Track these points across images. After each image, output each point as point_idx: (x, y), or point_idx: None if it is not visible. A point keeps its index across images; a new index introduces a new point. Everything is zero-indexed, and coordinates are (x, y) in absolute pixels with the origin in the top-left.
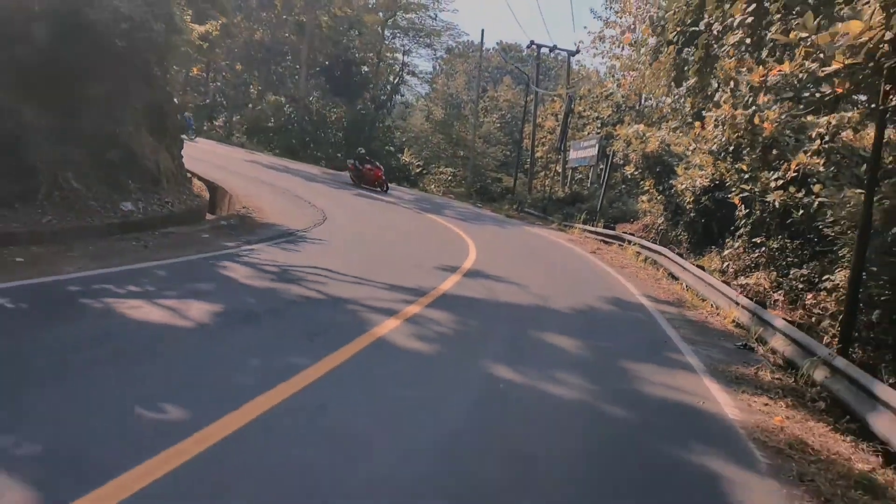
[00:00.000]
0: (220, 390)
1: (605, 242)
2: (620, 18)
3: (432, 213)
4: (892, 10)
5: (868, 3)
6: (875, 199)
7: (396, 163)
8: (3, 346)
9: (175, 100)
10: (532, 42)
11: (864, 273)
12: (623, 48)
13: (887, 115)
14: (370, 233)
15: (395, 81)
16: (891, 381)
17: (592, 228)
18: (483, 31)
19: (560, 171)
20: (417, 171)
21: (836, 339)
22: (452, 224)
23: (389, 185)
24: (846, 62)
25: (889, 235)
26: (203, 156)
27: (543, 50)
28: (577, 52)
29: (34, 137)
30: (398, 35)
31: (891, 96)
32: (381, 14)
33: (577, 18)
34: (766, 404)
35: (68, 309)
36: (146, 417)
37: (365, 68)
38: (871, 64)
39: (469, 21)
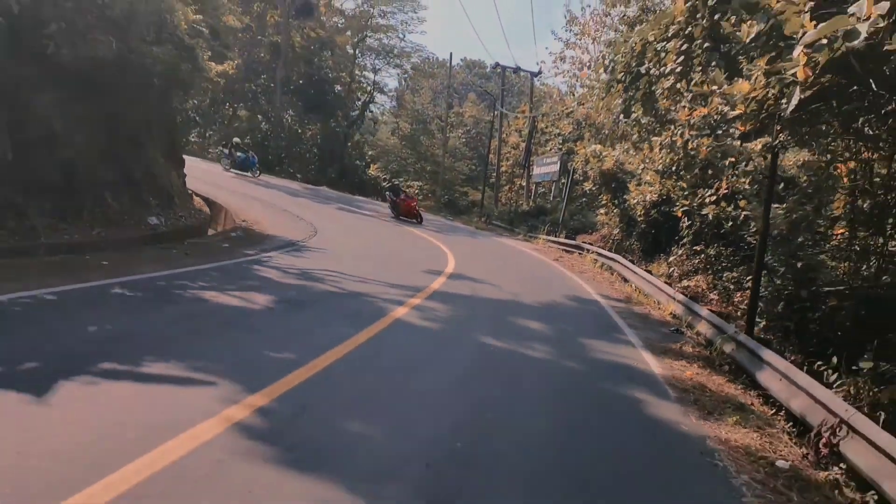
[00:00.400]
0: (306, 345)
1: (567, 251)
2: (580, 40)
3: (409, 226)
4: (769, 77)
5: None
6: (783, 212)
7: (366, 177)
8: (151, 317)
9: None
10: (497, 63)
11: (765, 271)
12: (583, 68)
13: (779, 146)
14: (360, 243)
15: (367, 99)
16: (787, 354)
17: (555, 239)
18: (451, 54)
19: (524, 185)
20: (385, 184)
21: (747, 322)
22: (429, 235)
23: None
24: (746, 109)
25: (794, 243)
26: (189, 171)
27: (508, 70)
28: (540, 73)
29: (82, 161)
30: (368, 54)
31: (780, 134)
32: (349, 34)
33: (540, 37)
34: (683, 366)
35: (169, 296)
36: (271, 356)
37: (338, 87)
38: (763, 110)
39: (436, 37)
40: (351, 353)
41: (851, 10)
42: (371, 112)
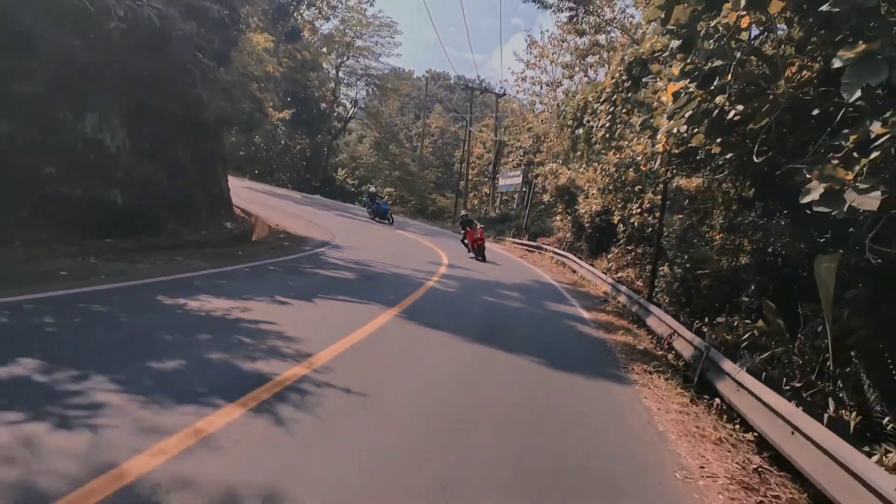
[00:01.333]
0: (396, 293)
1: (529, 251)
2: (539, 62)
3: (400, 230)
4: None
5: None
6: (678, 221)
7: (345, 185)
8: (310, 280)
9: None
10: (466, 84)
11: (668, 262)
12: (542, 88)
13: (666, 180)
14: (371, 243)
15: (348, 116)
16: (681, 317)
17: (519, 241)
18: (427, 77)
19: (488, 192)
20: (351, 190)
21: (648, 294)
22: (418, 237)
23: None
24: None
25: (687, 242)
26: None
27: (475, 90)
28: (504, 94)
29: (194, 185)
30: (349, 75)
31: (669, 173)
32: (332, 56)
33: (504, 51)
34: (603, 315)
35: (299, 271)
36: (386, 297)
37: (323, 104)
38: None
39: (403, 49)
40: (419, 298)
41: (665, 127)
42: (346, 126)
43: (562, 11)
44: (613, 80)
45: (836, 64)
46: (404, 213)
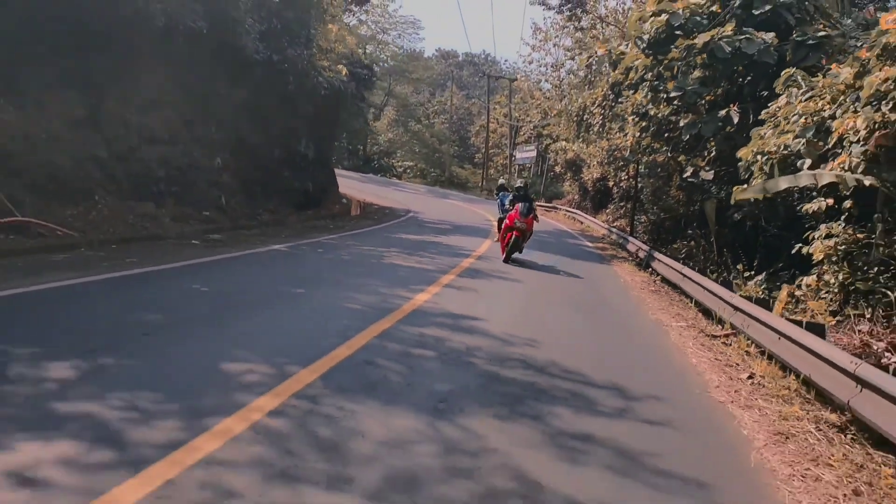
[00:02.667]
0: (480, 234)
1: (546, 210)
2: (543, 45)
3: (444, 199)
4: (636, 134)
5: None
6: (651, 183)
7: (384, 162)
8: (405, 241)
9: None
10: (484, 73)
11: (644, 214)
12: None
13: (639, 158)
14: (432, 208)
15: (383, 103)
16: (653, 248)
17: (537, 203)
18: (453, 75)
19: (504, 163)
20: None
21: (630, 231)
22: (463, 203)
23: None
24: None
25: (657, 199)
26: None
27: (490, 71)
28: (516, 79)
29: (311, 173)
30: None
31: (638, 155)
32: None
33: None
34: (602, 246)
35: (417, 224)
36: (477, 234)
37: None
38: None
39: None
40: (490, 247)
41: (629, 132)
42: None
43: (562, 12)
44: (603, 93)
45: (681, 122)
46: (425, 184)
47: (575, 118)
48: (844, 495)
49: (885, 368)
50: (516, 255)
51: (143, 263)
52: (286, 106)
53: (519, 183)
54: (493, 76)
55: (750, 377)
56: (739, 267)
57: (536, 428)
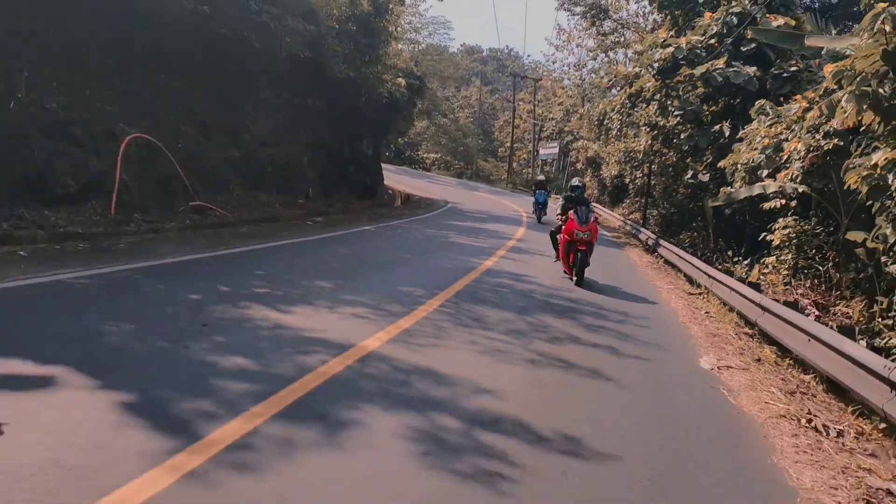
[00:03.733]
0: (516, 222)
1: None
2: (567, 45)
3: (474, 191)
4: (648, 140)
5: (643, 132)
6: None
7: (415, 156)
8: (456, 224)
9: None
10: (511, 74)
11: (657, 208)
12: (569, 68)
13: (653, 160)
14: (471, 201)
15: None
16: (661, 237)
17: (559, 196)
18: (479, 71)
19: (526, 157)
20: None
21: (642, 223)
22: (492, 196)
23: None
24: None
25: (667, 195)
26: None
27: (514, 67)
28: (541, 79)
29: (368, 168)
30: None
31: (651, 156)
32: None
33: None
34: (617, 235)
35: (459, 213)
36: (514, 222)
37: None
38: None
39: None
40: (527, 223)
41: (643, 139)
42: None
43: (585, 18)
44: (620, 102)
45: (682, 135)
46: (449, 175)
47: (596, 122)
48: (740, 357)
49: (801, 311)
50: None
51: (293, 236)
52: (355, 113)
53: (575, 182)
54: (520, 75)
55: (706, 313)
56: (729, 253)
57: (574, 321)
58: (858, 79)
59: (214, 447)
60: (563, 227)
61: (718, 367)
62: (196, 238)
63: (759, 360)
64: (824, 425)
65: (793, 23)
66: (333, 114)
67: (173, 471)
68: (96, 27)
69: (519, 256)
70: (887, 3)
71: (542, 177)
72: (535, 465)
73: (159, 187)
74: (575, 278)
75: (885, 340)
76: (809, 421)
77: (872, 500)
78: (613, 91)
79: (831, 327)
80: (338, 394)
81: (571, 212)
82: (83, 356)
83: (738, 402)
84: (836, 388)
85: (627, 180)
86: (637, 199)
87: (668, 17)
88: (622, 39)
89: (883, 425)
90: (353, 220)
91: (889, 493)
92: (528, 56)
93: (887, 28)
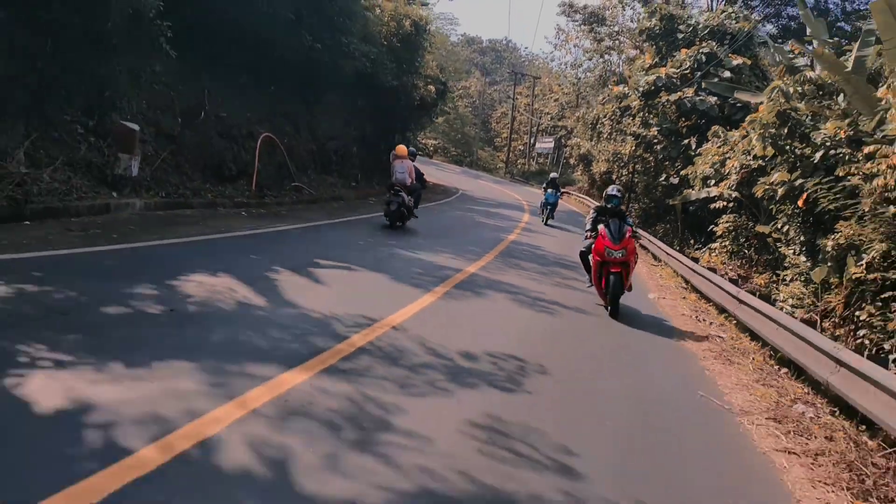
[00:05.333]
0: (517, 211)
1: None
2: (565, 44)
3: (477, 179)
4: (633, 146)
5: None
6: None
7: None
8: (477, 203)
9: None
10: (512, 70)
11: (638, 203)
12: (566, 67)
13: (637, 160)
14: (475, 188)
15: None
16: (645, 226)
17: None
18: (478, 62)
19: (522, 148)
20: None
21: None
22: (493, 184)
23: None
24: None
25: (649, 191)
26: None
27: (511, 58)
28: (539, 78)
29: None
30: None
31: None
32: None
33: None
34: None
35: (470, 199)
36: (519, 207)
37: None
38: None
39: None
40: (531, 217)
41: (628, 146)
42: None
43: (584, 25)
44: (612, 109)
45: (657, 147)
46: (450, 162)
47: (590, 125)
48: (672, 295)
49: (717, 273)
50: (551, 222)
51: (370, 211)
52: (393, 113)
53: (612, 191)
54: (520, 73)
55: (660, 276)
56: (692, 241)
57: (576, 271)
58: (761, 126)
59: (442, 290)
60: (594, 245)
61: (658, 298)
62: (313, 209)
63: (684, 297)
64: (719, 336)
65: (748, 62)
66: (376, 113)
67: (435, 295)
68: (241, 53)
69: (530, 234)
70: (780, 81)
71: (554, 174)
72: (563, 310)
73: (276, 171)
74: (609, 307)
75: (776, 295)
76: (706, 323)
77: (782, 408)
78: (606, 87)
79: (729, 280)
80: (470, 283)
81: (602, 226)
82: (345, 257)
83: (665, 311)
84: (724, 310)
85: (615, 177)
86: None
87: (654, 47)
88: (616, 44)
89: (766, 349)
90: None
91: (794, 401)
92: (526, 49)
93: (779, 97)
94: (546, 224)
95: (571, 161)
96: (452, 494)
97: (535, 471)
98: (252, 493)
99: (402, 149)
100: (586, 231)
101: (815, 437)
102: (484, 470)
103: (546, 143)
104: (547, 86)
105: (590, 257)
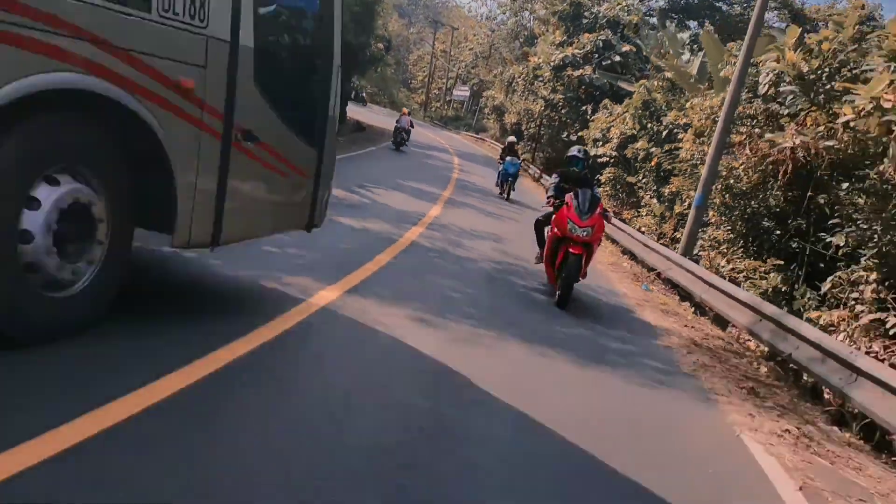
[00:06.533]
0: (454, 152)
1: (475, 140)
2: None
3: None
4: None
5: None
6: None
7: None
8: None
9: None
10: (432, 19)
11: (540, 152)
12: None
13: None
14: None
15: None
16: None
17: (468, 134)
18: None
19: (437, 93)
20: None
21: (531, 162)
22: (425, 131)
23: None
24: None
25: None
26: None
27: (438, 21)
28: (458, 28)
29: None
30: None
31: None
32: None
33: None
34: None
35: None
36: (448, 163)
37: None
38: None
39: None
40: (461, 161)
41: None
42: None
43: None
44: (526, 74)
45: (562, 110)
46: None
47: (506, 83)
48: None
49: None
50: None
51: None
52: (350, 67)
53: (574, 151)
54: (440, 22)
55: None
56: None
57: (506, 206)
58: (632, 109)
59: (427, 220)
60: (554, 215)
61: None
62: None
63: None
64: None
65: (633, 49)
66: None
67: (441, 206)
68: None
69: (465, 174)
70: (645, 81)
71: (512, 137)
72: (503, 219)
73: None
74: (558, 293)
75: (636, 224)
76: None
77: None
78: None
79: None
80: (451, 203)
81: (570, 196)
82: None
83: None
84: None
85: (524, 128)
86: (530, 143)
87: (563, 27)
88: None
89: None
90: (355, 143)
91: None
92: (457, 30)
93: (645, 91)
94: (508, 200)
95: (486, 111)
96: (493, 257)
97: (511, 256)
98: (435, 254)
99: (405, 110)
100: (548, 197)
101: (654, 292)
102: (498, 255)
103: (462, 91)
104: (462, 34)
105: (546, 229)
